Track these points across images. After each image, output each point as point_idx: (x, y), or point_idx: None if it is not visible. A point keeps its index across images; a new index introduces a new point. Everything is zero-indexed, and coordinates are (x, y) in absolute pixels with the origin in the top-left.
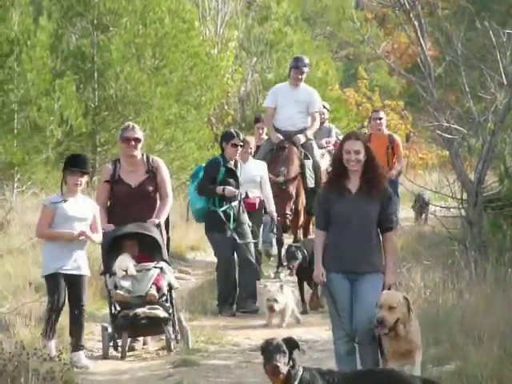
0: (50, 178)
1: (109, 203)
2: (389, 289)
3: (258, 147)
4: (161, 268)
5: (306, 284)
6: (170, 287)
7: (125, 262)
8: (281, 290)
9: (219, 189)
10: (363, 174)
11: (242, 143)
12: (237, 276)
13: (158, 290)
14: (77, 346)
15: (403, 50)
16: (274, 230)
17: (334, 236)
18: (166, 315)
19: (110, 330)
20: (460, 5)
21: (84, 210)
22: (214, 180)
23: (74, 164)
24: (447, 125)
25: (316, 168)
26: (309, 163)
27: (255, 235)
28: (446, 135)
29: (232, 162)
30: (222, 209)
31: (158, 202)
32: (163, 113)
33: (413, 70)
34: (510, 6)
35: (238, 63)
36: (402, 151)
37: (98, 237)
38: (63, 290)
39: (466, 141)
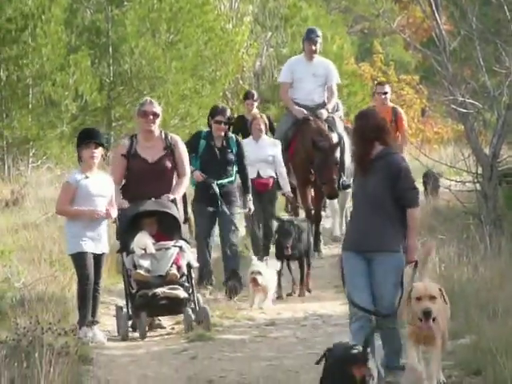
0: (65, 152)
1: (124, 181)
2: (415, 266)
3: (247, 122)
4: (180, 247)
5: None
6: (190, 266)
7: (144, 240)
8: (266, 263)
9: (193, 169)
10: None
11: (226, 120)
12: (210, 255)
13: (178, 269)
14: (92, 321)
15: (418, 25)
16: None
17: (351, 217)
18: (186, 295)
19: (124, 309)
20: None
21: (104, 186)
22: (192, 151)
23: (88, 136)
24: (462, 99)
25: (341, 141)
26: (334, 136)
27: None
28: (461, 109)
29: (219, 140)
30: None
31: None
32: (178, 88)
33: (428, 44)
34: None
35: (253, 38)
36: (405, 125)
37: (114, 212)
38: (91, 267)
39: (481, 115)
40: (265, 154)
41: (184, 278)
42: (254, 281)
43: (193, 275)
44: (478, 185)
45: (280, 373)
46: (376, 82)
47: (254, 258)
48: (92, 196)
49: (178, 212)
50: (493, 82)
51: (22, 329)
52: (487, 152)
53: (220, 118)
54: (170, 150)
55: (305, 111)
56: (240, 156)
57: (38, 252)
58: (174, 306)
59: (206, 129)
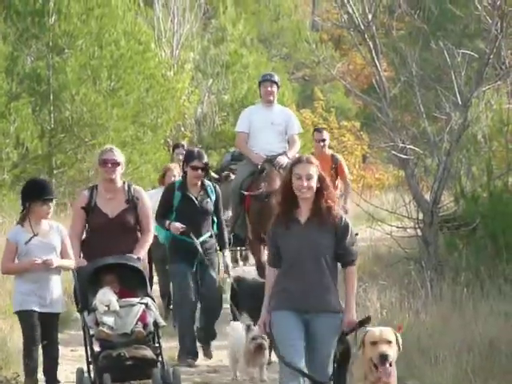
0: (6, 200)
1: (85, 235)
2: (352, 330)
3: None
4: (146, 304)
5: None
6: (157, 325)
7: (107, 297)
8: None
9: (166, 223)
10: (314, 202)
11: (204, 165)
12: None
13: (145, 327)
14: (50, 379)
15: (359, 71)
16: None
17: (284, 272)
18: (154, 357)
19: (86, 374)
20: (415, 25)
21: (52, 238)
22: (169, 207)
23: (44, 192)
24: (403, 145)
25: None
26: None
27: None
28: (402, 155)
29: (195, 189)
30: (189, 239)
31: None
32: (119, 134)
33: (368, 90)
34: (465, 27)
35: (194, 85)
36: (347, 172)
37: (70, 262)
38: (37, 326)
39: (421, 161)
40: None
41: (151, 337)
42: (260, 348)
43: (160, 334)
44: (419, 230)
45: None
46: (313, 129)
47: (245, 317)
48: (40, 252)
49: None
50: (433, 128)
51: None
52: (428, 198)
53: (197, 164)
54: (133, 203)
55: (264, 155)
56: (217, 206)
57: None
58: (141, 368)
59: (177, 179)
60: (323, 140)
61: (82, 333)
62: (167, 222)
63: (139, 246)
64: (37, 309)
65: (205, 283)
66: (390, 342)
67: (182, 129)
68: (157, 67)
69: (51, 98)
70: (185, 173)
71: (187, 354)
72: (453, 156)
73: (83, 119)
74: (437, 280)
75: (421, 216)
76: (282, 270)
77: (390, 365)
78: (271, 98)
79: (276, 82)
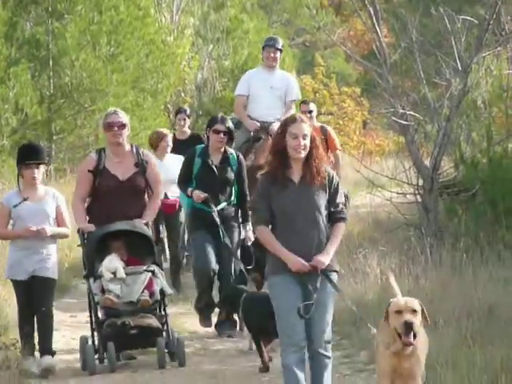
0: (6, 166)
1: (89, 199)
2: (316, 270)
3: (179, 141)
4: (153, 271)
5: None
6: (163, 293)
7: (113, 264)
8: None
9: (189, 191)
10: (305, 161)
11: (227, 130)
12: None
13: (151, 295)
14: (44, 350)
15: (359, 37)
16: None
17: (278, 233)
18: (160, 325)
19: (90, 341)
20: None
21: (45, 204)
22: (190, 174)
23: (28, 156)
24: (403, 111)
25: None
26: None
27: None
28: (402, 121)
29: (217, 157)
30: (207, 208)
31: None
32: (119, 100)
33: (369, 56)
34: None
35: (195, 50)
36: (337, 143)
37: (65, 231)
38: (26, 295)
39: (421, 127)
40: (170, 173)
41: (157, 305)
42: None
43: (166, 303)
44: (418, 197)
45: None
46: (300, 101)
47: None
48: (31, 217)
49: (152, 235)
50: (433, 94)
51: None
52: (428, 164)
53: (219, 127)
54: (142, 166)
55: (257, 123)
56: (241, 176)
57: None
58: (145, 337)
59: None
60: (310, 111)
61: (81, 299)
62: (189, 189)
63: (148, 210)
64: (28, 276)
65: (221, 258)
66: (414, 311)
67: (182, 94)
68: (157, 33)
69: (51, 63)
70: (207, 138)
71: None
72: (453, 122)
73: (83, 85)
74: (436, 246)
75: (421, 182)
76: (276, 230)
77: (415, 335)
78: (274, 63)
79: (280, 49)
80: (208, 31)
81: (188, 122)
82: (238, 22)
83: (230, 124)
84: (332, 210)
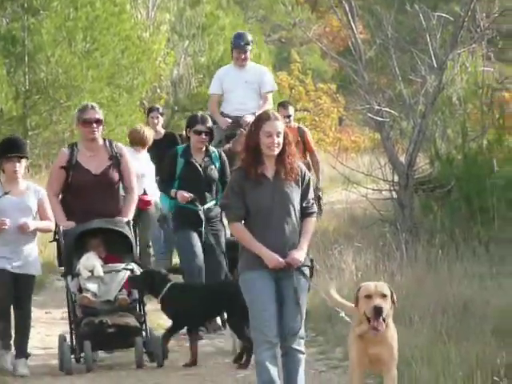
0: None
1: (61, 196)
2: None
3: (154, 141)
4: (131, 269)
5: None
6: (142, 292)
7: (91, 261)
8: None
9: (172, 191)
10: (279, 158)
11: (208, 130)
12: None
13: (129, 294)
14: (20, 352)
15: (335, 34)
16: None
17: (255, 230)
18: (138, 324)
19: (68, 340)
20: None
21: (27, 198)
22: (172, 174)
23: (10, 149)
24: (378, 108)
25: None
26: None
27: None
28: (378, 118)
29: (199, 155)
30: (193, 207)
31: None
32: (95, 96)
33: (344, 53)
34: None
35: (170, 46)
36: (313, 145)
37: (47, 224)
38: (7, 288)
39: (397, 123)
40: (146, 168)
41: (135, 304)
42: None
43: (145, 302)
44: (394, 193)
45: (196, 382)
46: (278, 104)
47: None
48: (12, 212)
49: (131, 232)
50: (409, 90)
51: None
52: (403, 160)
53: (200, 128)
54: (116, 159)
55: (229, 120)
56: (224, 174)
57: None
58: (123, 336)
59: (180, 145)
60: (289, 116)
61: (56, 296)
62: (173, 190)
63: (126, 207)
64: (9, 268)
65: (207, 257)
66: (384, 296)
67: (158, 90)
68: (132, 29)
69: (26, 59)
70: (188, 138)
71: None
72: (428, 118)
73: (58, 81)
74: (412, 242)
75: (396, 178)
76: (250, 226)
77: (384, 320)
78: (244, 63)
79: (249, 48)
80: (184, 27)
81: (161, 120)
82: (213, 18)
83: (210, 123)
84: (304, 205)
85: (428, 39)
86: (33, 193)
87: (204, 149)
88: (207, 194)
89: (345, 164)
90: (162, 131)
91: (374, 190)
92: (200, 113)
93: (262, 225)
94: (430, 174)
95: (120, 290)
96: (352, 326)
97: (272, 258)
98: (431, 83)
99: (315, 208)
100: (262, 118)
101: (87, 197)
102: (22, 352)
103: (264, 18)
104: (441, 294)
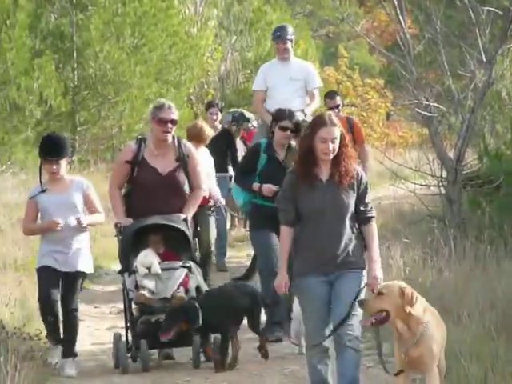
0: (30, 157)
1: (124, 191)
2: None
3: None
4: (189, 267)
5: None
6: (199, 290)
7: (149, 258)
8: None
9: (255, 185)
10: (334, 160)
11: (294, 127)
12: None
13: (186, 292)
14: (67, 352)
15: (383, 28)
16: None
17: (306, 233)
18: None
19: (123, 338)
20: None
21: (71, 195)
22: (251, 169)
23: (49, 152)
24: (427, 103)
25: None
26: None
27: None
28: (426, 113)
29: (282, 151)
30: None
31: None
32: (143, 92)
33: (392, 48)
34: None
35: (218, 42)
36: (363, 136)
37: (99, 217)
38: (53, 285)
39: (445, 119)
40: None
41: (193, 302)
42: None
43: None
44: (442, 188)
45: (244, 377)
46: (325, 94)
47: None
48: (56, 209)
49: (189, 230)
50: (457, 85)
51: None
52: (452, 156)
53: (286, 124)
54: (183, 161)
55: None
56: None
57: (2, 257)
58: (180, 336)
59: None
60: (337, 106)
61: (105, 290)
62: (256, 184)
63: (189, 204)
64: (56, 267)
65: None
66: (379, 294)
67: (205, 86)
68: (180, 24)
69: (75, 55)
70: (272, 133)
71: (275, 325)
72: (477, 113)
73: (106, 76)
74: (460, 238)
75: (444, 174)
76: (302, 230)
77: (379, 322)
78: (286, 55)
79: (289, 39)
80: (231, 23)
81: (220, 116)
82: (261, 13)
83: (296, 119)
84: (361, 209)
85: (477, 33)
86: (77, 187)
87: (286, 145)
88: None
89: (392, 159)
90: (219, 127)
91: (422, 185)
92: (288, 108)
93: (313, 230)
94: (479, 170)
95: (177, 288)
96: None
97: (279, 280)
98: (480, 78)
99: (374, 212)
100: (318, 123)
101: (151, 195)
102: (70, 352)
103: (311, 13)
104: (489, 290)
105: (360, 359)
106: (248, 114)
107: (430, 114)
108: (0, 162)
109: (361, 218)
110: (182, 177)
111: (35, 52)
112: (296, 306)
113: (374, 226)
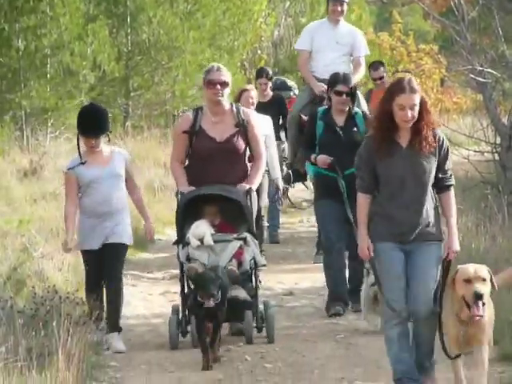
0: None
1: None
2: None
3: (261, 104)
4: (244, 239)
5: None
6: (255, 264)
7: (201, 229)
8: None
9: (312, 157)
10: (415, 125)
11: (350, 91)
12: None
13: (239, 265)
14: (112, 326)
15: None
16: (279, 206)
17: (385, 200)
18: (248, 298)
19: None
20: None
21: (113, 166)
22: (312, 138)
23: (86, 129)
24: (481, 69)
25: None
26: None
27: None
28: (480, 79)
29: (340, 117)
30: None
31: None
32: (196, 57)
33: (447, 13)
34: None
35: (271, 7)
36: None
37: (146, 208)
38: (97, 265)
39: (499, 84)
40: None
41: (246, 276)
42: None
43: (258, 274)
44: (496, 155)
45: (297, 342)
46: (369, 64)
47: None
48: (96, 182)
49: (251, 202)
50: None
51: (40, 298)
52: (506, 122)
53: (342, 88)
54: (243, 127)
55: (324, 86)
56: None
57: (56, 222)
58: (232, 310)
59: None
60: (381, 78)
61: (158, 255)
62: (313, 155)
63: (252, 174)
64: (98, 245)
65: (350, 231)
66: (484, 280)
67: (259, 52)
68: None
69: (128, 20)
70: (329, 99)
71: (334, 300)
72: None
73: (160, 42)
74: None
75: (498, 140)
76: (381, 197)
77: (484, 304)
78: (340, 17)
79: (346, 1)
80: None
81: (270, 84)
82: None
83: (352, 83)
84: (440, 176)
85: None
86: (119, 158)
87: (347, 109)
88: (348, 160)
89: (446, 125)
90: (270, 94)
91: (475, 151)
92: (343, 72)
93: (392, 198)
94: None
95: (229, 261)
96: (448, 306)
97: (362, 247)
98: None
99: (453, 180)
100: (396, 89)
101: (210, 165)
102: (114, 326)
103: None
104: None
105: (435, 331)
106: (290, 83)
107: (484, 80)
108: (54, 128)
109: (439, 186)
110: (241, 143)
111: (89, 17)
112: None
113: (452, 195)
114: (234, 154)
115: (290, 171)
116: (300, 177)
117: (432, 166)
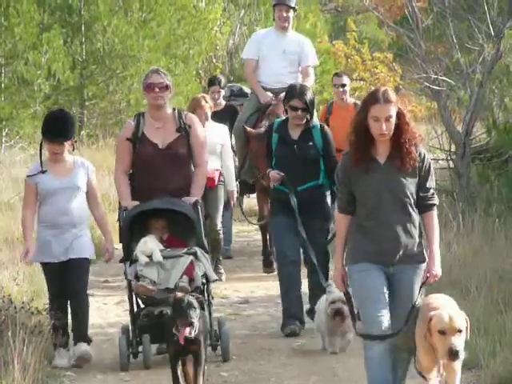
0: (38, 132)
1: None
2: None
3: (214, 113)
4: (194, 254)
5: None
6: (207, 279)
7: (149, 245)
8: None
9: (268, 171)
10: (393, 139)
11: (305, 106)
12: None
13: (191, 282)
14: (79, 336)
15: (392, 2)
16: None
17: (362, 219)
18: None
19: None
20: None
21: (75, 177)
22: (268, 152)
23: (52, 133)
24: (435, 77)
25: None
26: None
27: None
28: (434, 87)
29: (296, 131)
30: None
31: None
32: (151, 66)
33: (401, 22)
34: None
35: (226, 16)
36: None
37: (104, 217)
38: (58, 278)
39: (454, 92)
40: (212, 143)
41: (198, 292)
42: (339, 314)
43: (210, 290)
44: (451, 162)
45: (254, 350)
46: (333, 73)
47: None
48: (55, 192)
49: (199, 213)
50: (466, 59)
51: None
52: (460, 129)
53: (296, 104)
54: (185, 131)
55: (270, 94)
56: (327, 151)
57: (11, 232)
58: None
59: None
60: (343, 85)
61: (115, 264)
62: (268, 170)
63: (195, 184)
64: (56, 259)
65: (310, 238)
66: (460, 332)
67: (214, 60)
68: None
69: (83, 29)
70: (286, 111)
71: (289, 318)
72: (485, 87)
73: (115, 50)
74: (468, 212)
75: (453, 148)
76: (359, 217)
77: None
78: (286, 24)
79: (293, 7)
80: None
81: (222, 92)
82: None
83: (308, 97)
84: (421, 194)
85: (485, 7)
86: (81, 169)
87: (305, 123)
88: (304, 175)
89: None
90: (223, 103)
91: (430, 159)
92: (299, 84)
93: (370, 216)
94: (487, 143)
95: (180, 277)
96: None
97: (335, 276)
98: (489, 52)
99: (436, 199)
100: (370, 101)
101: (154, 172)
102: (82, 336)
103: None
104: (497, 264)
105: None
106: (246, 90)
107: (438, 88)
108: (9, 137)
109: (420, 205)
110: (182, 148)
111: (43, 26)
112: (322, 299)
113: (434, 215)
114: (177, 160)
115: (237, 182)
116: (248, 188)
117: (411, 183)
